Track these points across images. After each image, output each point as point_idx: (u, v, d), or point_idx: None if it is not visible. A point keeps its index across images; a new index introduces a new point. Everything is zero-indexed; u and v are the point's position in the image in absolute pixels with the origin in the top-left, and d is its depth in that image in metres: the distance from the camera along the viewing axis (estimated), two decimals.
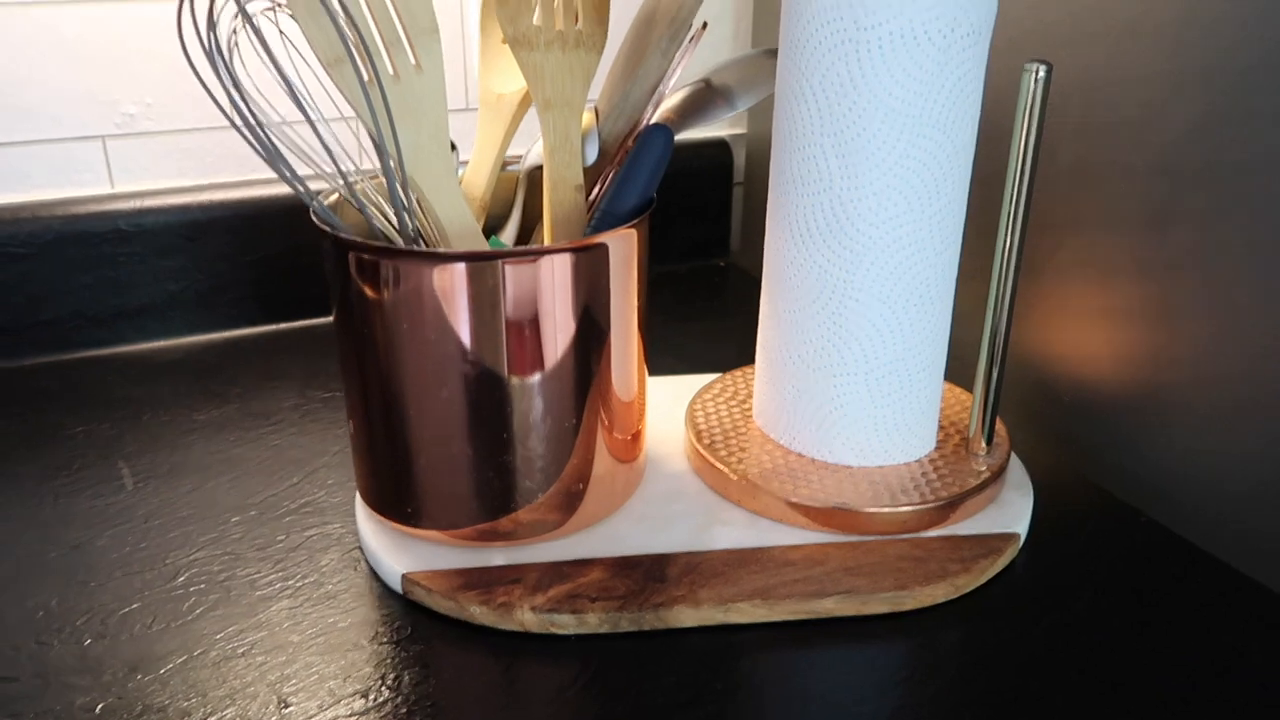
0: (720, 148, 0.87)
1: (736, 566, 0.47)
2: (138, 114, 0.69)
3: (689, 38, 0.48)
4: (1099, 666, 0.43)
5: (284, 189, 0.71)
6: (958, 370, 0.56)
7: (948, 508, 0.49)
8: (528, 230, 0.54)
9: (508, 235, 0.53)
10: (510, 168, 0.55)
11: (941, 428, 0.55)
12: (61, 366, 0.69)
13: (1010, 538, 0.49)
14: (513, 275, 0.43)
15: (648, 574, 0.46)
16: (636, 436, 0.52)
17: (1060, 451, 0.58)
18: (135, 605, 0.46)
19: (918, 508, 0.49)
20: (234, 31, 0.43)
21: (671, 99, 0.52)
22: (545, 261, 0.43)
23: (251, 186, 0.73)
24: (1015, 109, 0.45)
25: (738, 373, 0.62)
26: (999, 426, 0.55)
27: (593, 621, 0.44)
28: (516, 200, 0.53)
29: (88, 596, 0.46)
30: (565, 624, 0.44)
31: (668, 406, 0.60)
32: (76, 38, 0.66)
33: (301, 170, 0.46)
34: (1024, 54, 0.55)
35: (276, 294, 0.75)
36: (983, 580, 0.47)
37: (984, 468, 0.52)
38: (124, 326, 0.71)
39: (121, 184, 0.71)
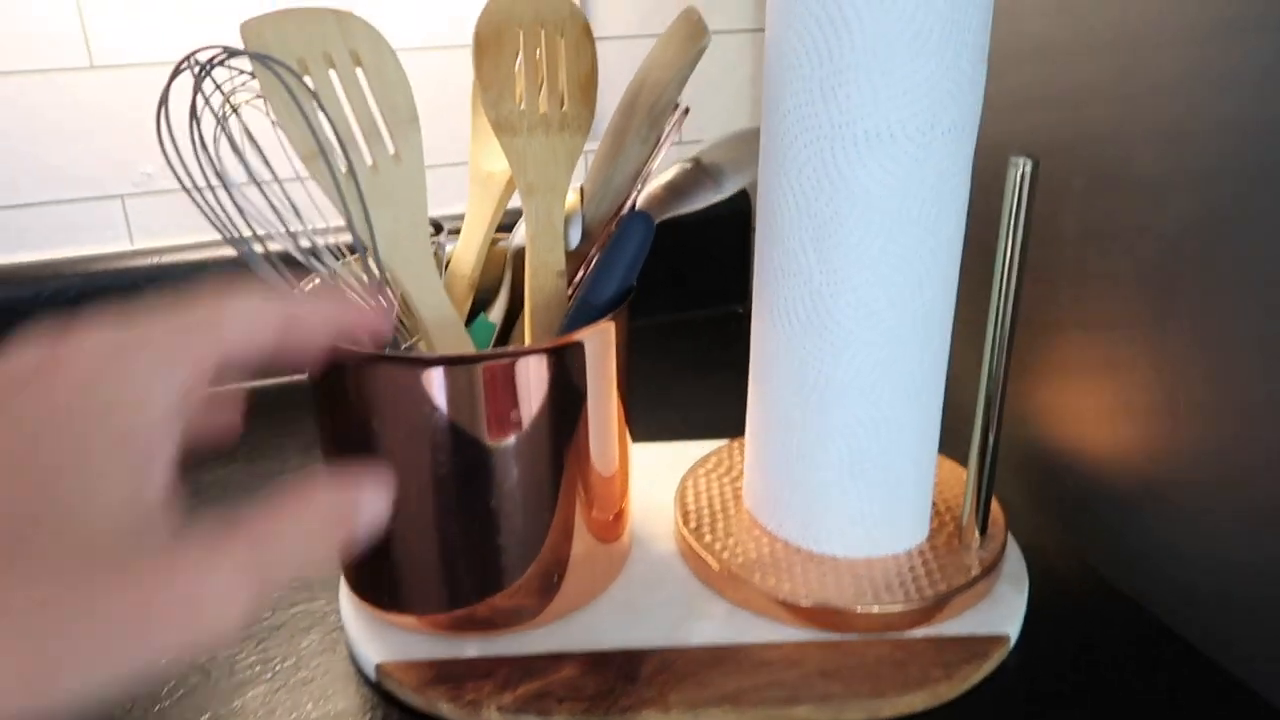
0: (739, 194, 0.86)
1: (711, 666, 0.46)
2: (155, 173, 0.71)
3: (670, 124, 0.47)
4: None
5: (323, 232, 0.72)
6: (958, 443, 0.54)
7: (934, 606, 0.48)
8: (516, 308, 0.54)
9: (495, 314, 0.53)
10: (501, 243, 0.55)
11: (936, 511, 0.54)
12: None
13: (999, 641, 0.47)
14: (488, 375, 0.43)
15: (620, 672, 0.46)
16: (619, 516, 0.51)
17: (1061, 535, 0.56)
18: None
19: (902, 607, 0.47)
20: (217, 124, 0.44)
21: (660, 179, 0.51)
22: (521, 362, 0.43)
23: (272, 243, 0.74)
24: (1002, 203, 0.43)
25: (736, 444, 0.61)
26: (996, 511, 0.53)
27: None
28: (504, 279, 0.53)
29: None
30: None
31: (664, 476, 0.59)
32: (95, 102, 0.68)
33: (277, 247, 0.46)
34: (1026, 141, 0.53)
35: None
36: (965, 688, 0.46)
37: (976, 562, 0.50)
38: None
39: (141, 241, 0.72)
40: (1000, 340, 0.46)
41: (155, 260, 0.72)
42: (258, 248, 0.44)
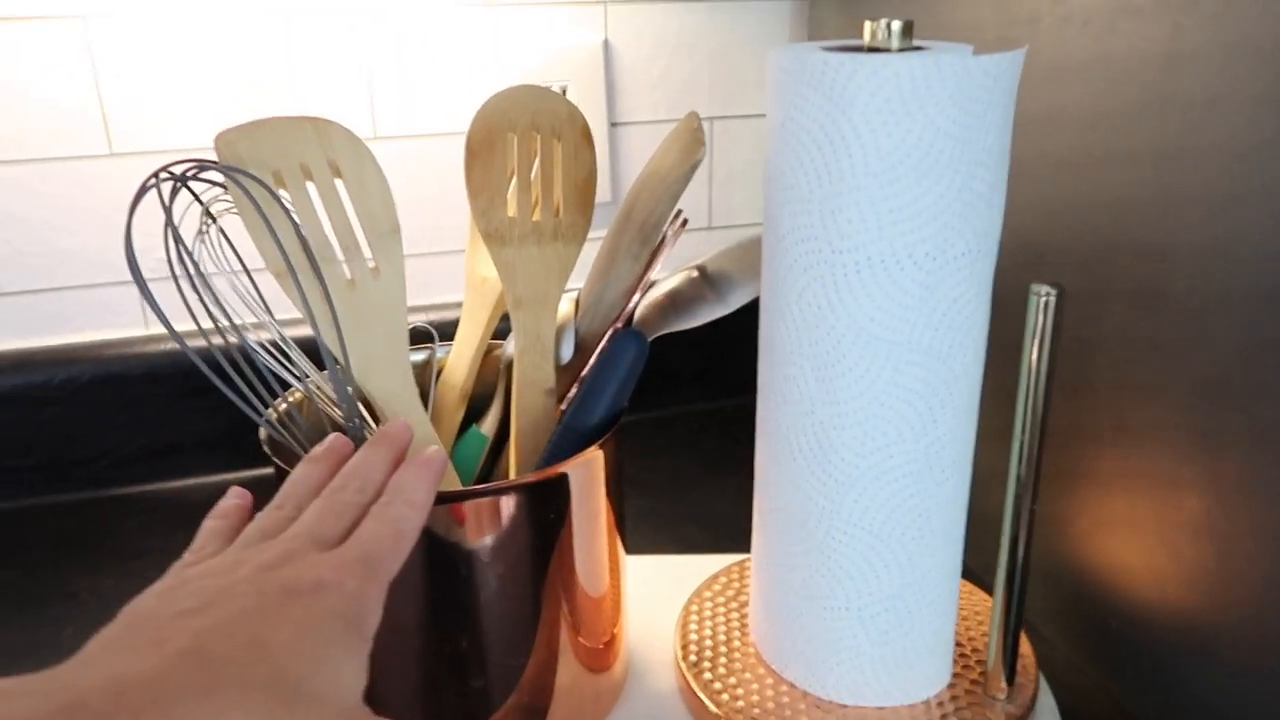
0: None
1: None
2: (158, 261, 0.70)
3: (667, 236, 0.44)
4: None
5: (307, 331, 0.71)
6: (985, 563, 0.49)
7: None
8: (509, 419, 0.51)
9: (487, 426, 0.50)
10: (497, 351, 0.52)
11: (959, 647, 0.49)
12: (87, 506, 0.70)
13: None
14: (464, 512, 0.40)
15: None
16: (610, 644, 0.48)
17: (1097, 677, 0.51)
18: None
19: None
20: (185, 253, 0.42)
21: (661, 287, 0.48)
22: (501, 500, 0.40)
23: (265, 330, 0.73)
24: (1024, 334, 0.39)
25: (747, 563, 0.57)
26: (1026, 654, 0.49)
27: None
28: (498, 390, 0.50)
29: None
30: None
31: (669, 593, 0.55)
32: (114, 188, 0.68)
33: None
34: (1058, 250, 0.49)
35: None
36: None
37: (1002, 717, 0.45)
38: (154, 465, 0.72)
39: (156, 326, 0.72)
40: (1025, 476, 0.42)
41: (170, 345, 0.71)
42: (223, 351, 0.42)
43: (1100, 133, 0.46)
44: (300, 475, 0.37)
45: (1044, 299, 0.38)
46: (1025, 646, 0.49)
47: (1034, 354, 0.39)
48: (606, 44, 0.73)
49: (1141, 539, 0.47)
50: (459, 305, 0.51)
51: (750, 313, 0.67)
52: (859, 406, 0.40)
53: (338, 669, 0.28)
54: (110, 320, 0.71)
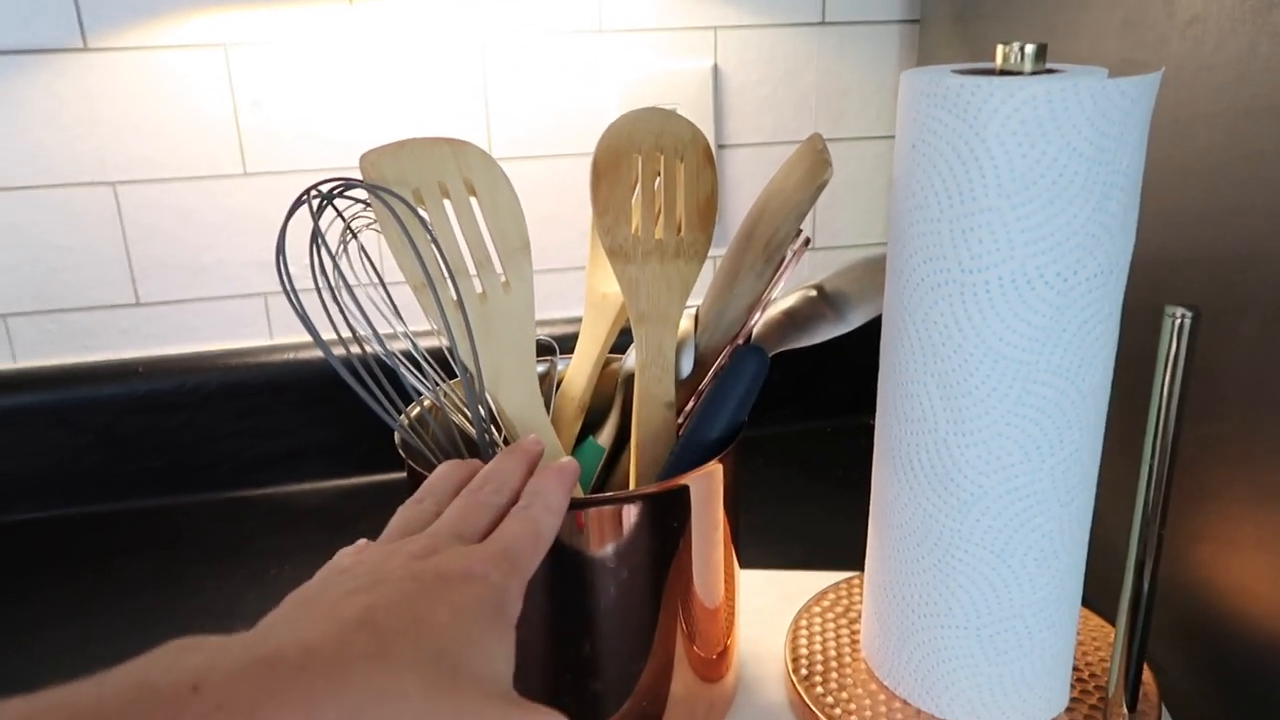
0: None
1: None
2: (296, 274, 0.74)
3: (790, 255, 0.45)
4: None
5: (435, 343, 0.74)
6: (1106, 594, 0.49)
7: None
8: (625, 431, 0.53)
9: (604, 438, 0.52)
10: (614, 364, 0.54)
11: (1077, 674, 0.48)
12: (210, 508, 0.73)
13: None
14: (589, 518, 0.41)
15: None
16: (723, 655, 0.49)
17: (1220, 708, 0.49)
18: None
19: None
20: (333, 259, 0.44)
21: (779, 305, 0.49)
22: (624, 508, 0.42)
23: (398, 340, 0.76)
24: (1155, 355, 0.39)
25: (855, 580, 0.57)
26: (1148, 681, 0.48)
27: None
28: (615, 403, 0.52)
29: None
30: None
31: (777, 608, 0.56)
32: (246, 206, 0.72)
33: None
34: (1188, 269, 0.48)
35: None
36: None
37: None
38: (272, 471, 0.75)
39: (280, 337, 0.75)
40: (1154, 501, 0.42)
41: (292, 355, 0.74)
42: (361, 360, 0.44)
43: (1232, 140, 0.45)
44: (440, 474, 0.39)
45: (1179, 320, 0.38)
46: (1146, 674, 0.48)
47: (1166, 377, 0.39)
48: (715, 69, 0.75)
49: (1271, 565, 0.46)
50: (569, 321, 0.53)
51: (851, 334, 0.67)
52: (984, 425, 0.40)
53: (491, 652, 0.29)
54: (236, 331, 0.75)
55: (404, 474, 0.77)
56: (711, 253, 0.47)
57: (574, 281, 0.79)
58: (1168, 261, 0.49)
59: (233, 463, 0.74)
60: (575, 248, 0.76)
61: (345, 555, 0.36)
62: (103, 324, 0.72)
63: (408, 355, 0.49)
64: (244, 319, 0.75)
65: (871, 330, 0.47)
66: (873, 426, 0.47)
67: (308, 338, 0.75)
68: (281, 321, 0.75)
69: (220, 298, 0.74)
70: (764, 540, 0.66)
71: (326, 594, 0.29)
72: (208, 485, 0.74)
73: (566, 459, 0.38)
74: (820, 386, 0.84)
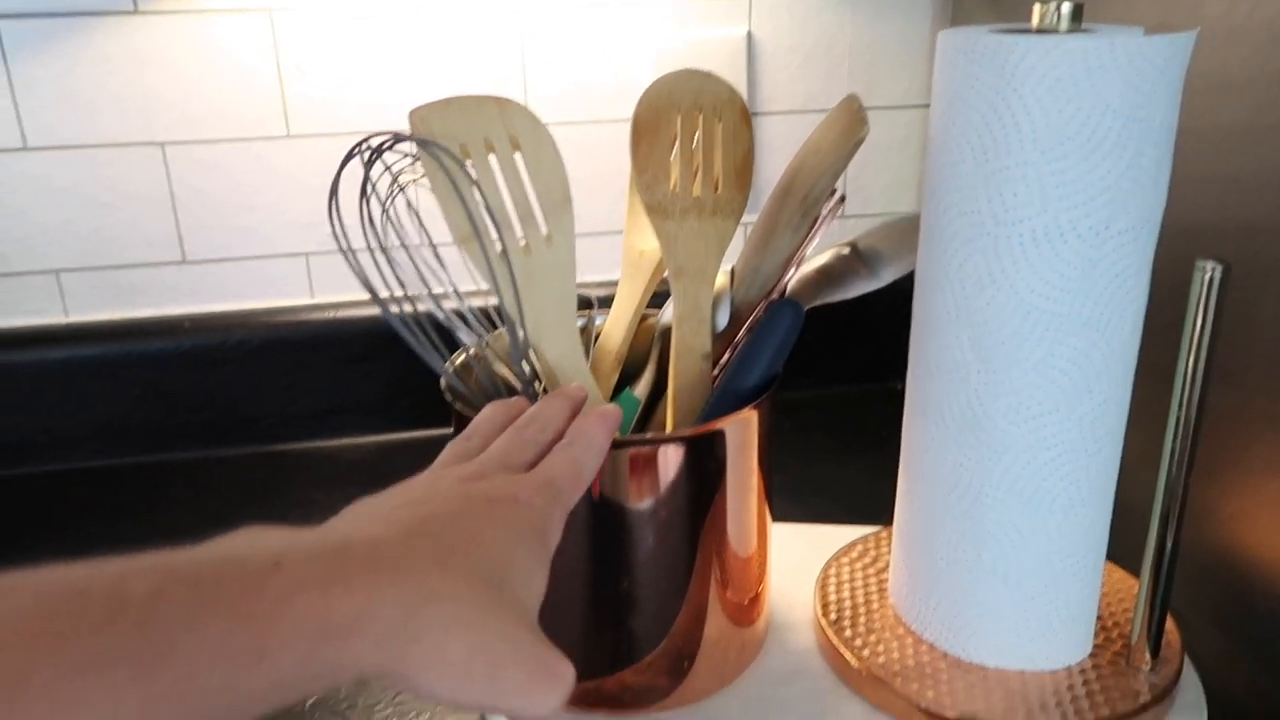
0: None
1: None
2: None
3: (825, 212, 0.46)
4: None
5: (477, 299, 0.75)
6: (1130, 548, 0.50)
7: None
8: (661, 384, 0.54)
9: (641, 389, 0.53)
10: (650, 319, 0.55)
11: (1101, 625, 0.50)
12: (253, 460, 0.75)
13: None
14: (628, 459, 0.43)
15: None
16: (755, 600, 0.50)
17: (1249, 664, 0.51)
18: None
19: None
20: (385, 207, 0.46)
21: (813, 262, 0.50)
22: (661, 449, 0.43)
23: (443, 296, 0.77)
24: (1186, 308, 0.40)
25: (884, 533, 0.59)
26: (1171, 632, 0.49)
27: None
28: (651, 356, 0.53)
29: None
30: None
31: (807, 561, 0.57)
32: (289, 168, 0.73)
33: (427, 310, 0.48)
34: (1219, 227, 0.49)
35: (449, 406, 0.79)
36: None
37: (1145, 687, 0.46)
38: (313, 425, 0.77)
39: (321, 296, 0.77)
40: (1180, 451, 0.43)
41: (332, 314, 0.76)
42: (412, 319, 0.46)
43: (1265, 105, 0.46)
44: (486, 414, 0.40)
45: (1209, 274, 0.39)
46: (1169, 624, 0.49)
47: (1195, 330, 0.40)
48: (749, 36, 0.76)
49: None
50: (603, 285, 0.55)
51: (881, 300, 0.68)
52: (1015, 375, 0.41)
53: (531, 575, 0.31)
54: (278, 290, 0.77)
55: (443, 430, 0.79)
56: (744, 220, 0.49)
57: (607, 246, 0.80)
58: (1197, 225, 0.50)
59: (276, 417, 0.77)
60: (608, 213, 0.78)
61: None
62: (150, 281, 0.75)
63: (452, 308, 0.50)
64: (286, 278, 0.77)
65: (901, 297, 0.49)
66: (901, 391, 0.48)
67: (348, 297, 0.78)
68: (322, 281, 0.77)
69: (263, 257, 0.76)
70: (794, 498, 0.67)
71: (382, 506, 0.31)
72: (251, 438, 0.77)
73: (610, 405, 0.40)
74: (849, 352, 0.85)
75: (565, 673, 0.28)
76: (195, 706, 0.20)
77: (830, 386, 0.85)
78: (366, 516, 0.30)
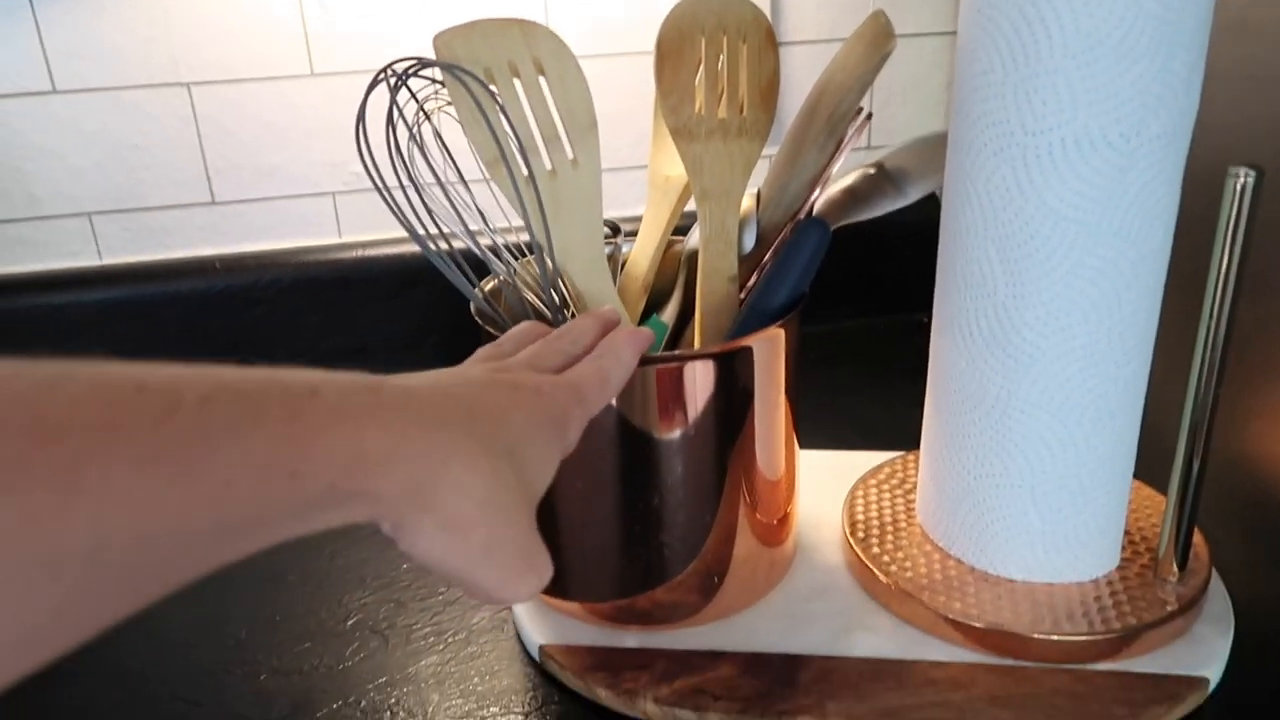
0: (928, 198, 0.83)
1: (873, 679, 0.45)
2: (363, 174, 0.76)
3: (851, 129, 0.46)
4: None
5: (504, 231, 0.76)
6: (1159, 468, 0.50)
7: (1122, 640, 0.45)
8: (688, 310, 0.54)
9: (668, 315, 0.54)
10: (677, 246, 0.55)
11: (1130, 539, 0.50)
12: None
13: (1196, 683, 0.44)
14: (658, 376, 0.44)
15: (778, 676, 0.45)
16: (783, 521, 0.51)
17: (1277, 578, 0.51)
18: (307, 644, 0.50)
19: (1085, 637, 0.45)
20: (412, 131, 0.46)
21: (839, 183, 0.50)
22: (689, 366, 0.44)
23: (456, 242, 0.78)
24: (1217, 217, 0.40)
25: (910, 456, 0.59)
26: (1199, 544, 0.49)
27: None
28: (678, 281, 0.54)
29: (271, 631, 0.52)
30: (686, 719, 0.44)
31: (833, 485, 0.58)
32: (313, 106, 0.74)
33: (461, 246, 0.48)
34: (1251, 137, 0.49)
35: (477, 341, 0.79)
36: None
37: (1172, 597, 0.46)
38: (343, 364, 0.78)
39: (348, 235, 0.78)
40: (1210, 362, 0.43)
41: (360, 253, 0.77)
42: (441, 245, 0.46)
43: None
44: (519, 328, 0.41)
45: (1241, 181, 0.39)
46: (1197, 537, 0.49)
47: (1226, 238, 0.40)
48: None
49: None
50: (626, 219, 0.55)
51: (907, 231, 0.67)
52: (1044, 287, 0.41)
53: (544, 463, 0.31)
54: (306, 229, 0.78)
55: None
56: (766, 151, 0.48)
57: (629, 181, 0.80)
58: (1231, 127, 0.49)
59: (308, 355, 0.78)
60: (630, 148, 0.77)
61: None
62: (180, 222, 0.76)
63: (477, 231, 0.51)
64: (313, 217, 0.77)
65: (926, 228, 0.48)
66: (927, 323, 0.49)
67: (375, 235, 0.78)
68: (349, 220, 0.78)
69: (291, 197, 0.76)
70: (820, 427, 0.68)
71: (414, 378, 0.31)
72: None
73: (641, 327, 0.40)
74: (874, 285, 0.85)
75: (545, 571, 0.29)
76: (225, 516, 0.21)
77: (856, 319, 0.85)
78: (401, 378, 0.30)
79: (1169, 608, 0.46)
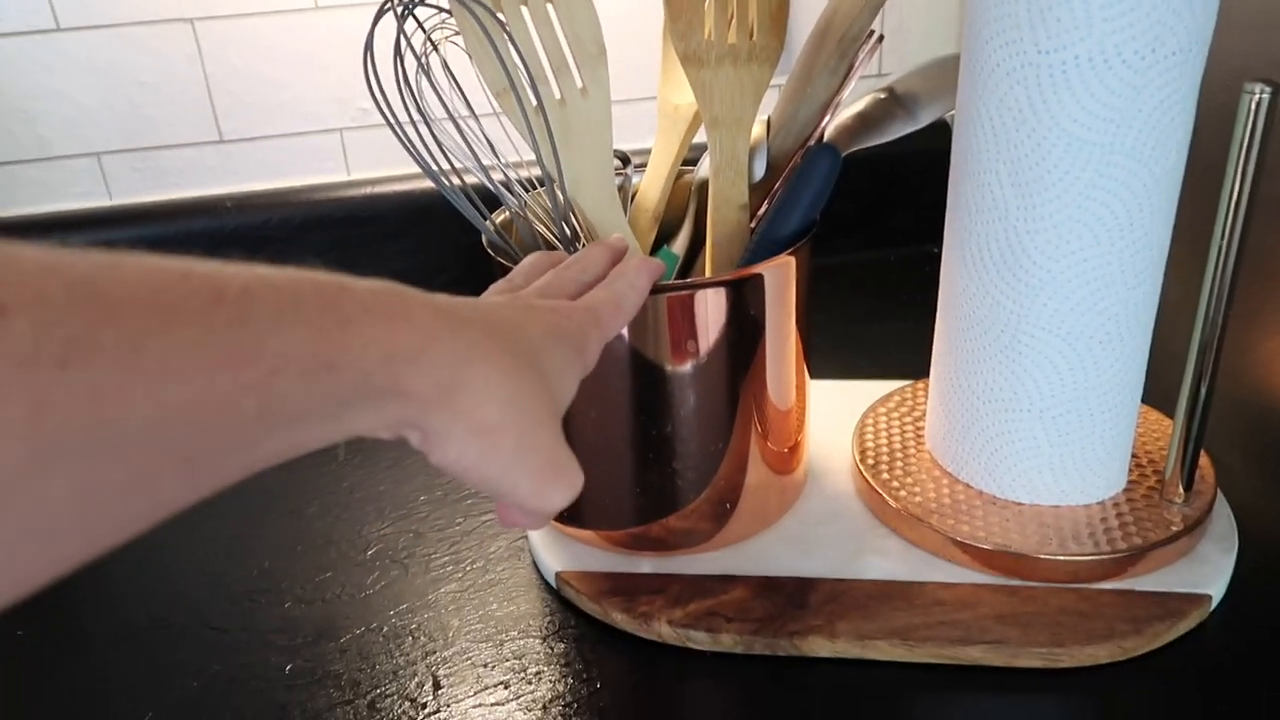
0: (939, 128, 0.82)
1: (882, 600, 0.46)
2: (370, 109, 0.75)
3: (862, 53, 0.46)
4: None
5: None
6: (1167, 393, 0.51)
7: (1127, 560, 0.46)
8: (699, 240, 0.54)
9: (679, 245, 0.54)
10: (687, 176, 0.55)
11: (1137, 463, 0.51)
12: None
13: (1198, 600, 0.45)
14: (669, 305, 0.44)
15: (789, 599, 0.46)
16: (794, 449, 0.52)
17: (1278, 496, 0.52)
18: (329, 574, 0.52)
19: (1091, 557, 0.45)
20: (420, 61, 0.46)
21: (851, 109, 0.50)
22: (700, 294, 0.44)
23: (470, 174, 0.78)
24: (1232, 135, 0.39)
25: (920, 385, 0.59)
26: (1205, 468, 0.50)
27: (727, 641, 0.45)
28: (689, 211, 0.54)
29: (294, 561, 0.53)
30: (700, 640, 0.45)
31: (843, 414, 0.59)
32: (319, 42, 0.73)
33: (472, 180, 0.48)
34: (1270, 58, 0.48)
35: (488, 273, 0.80)
36: (1155, 645, 0.44)
37: (1178, 518, 0.47)
38: None
39: (357, 172, 0.78)
40: (1220, 284, 0.43)
41: (370, 190, 0.77)
42: (454, 180, 0.47)
43: None
44: (529, 260, 0.41)
45: (1257, 97, 0.38)
46: (1203, 459, 0.50)
47: (1240, 158, 0.40)
48: None
49: None
50: (635, 152, 0.54)
51: (918, 163, 0.67)
52: (1055, 210, 0.41)
53: (564, 374, 0.32)
54: (315, 166, 0.77)
55: None
56: (776, 80, 0.48)
57: (637, 112, 0.79)
58: (1249, 46, 0.48)
59: None
60: (636, 80, 0.77)
61: None
62: (190, 161, 0.75)
63: (490, 165, 0.51)
64: (322, 154, 0.77)
65: (937, 159, 0.48)
66: (938, 255, 0.48)
67: (384, 173, 0.78)
68: (357, 157, 0.78)
69: (298, 134, 0.76)
70: (832, 359, 0.68)
71: (433, 296, 0.32)
72: None
73: (652, 258, 0.40)
74: (886, 217, 0.85)
75: (576, 479, 0.29)
76: (270, 405, 0.21)
77: (868, 251, 0.85)
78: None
79: (1174, 528, 0.47)
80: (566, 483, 0.29)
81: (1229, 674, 0.42)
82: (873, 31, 0.47)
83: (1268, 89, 0.38)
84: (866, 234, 0.85)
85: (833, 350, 0.69)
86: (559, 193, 0.45)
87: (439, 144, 0.47)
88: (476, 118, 0.50)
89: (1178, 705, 0.41)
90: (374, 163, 0.78)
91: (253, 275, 0.22)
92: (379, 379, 0.24)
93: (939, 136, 0.85)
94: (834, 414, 0.58)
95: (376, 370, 0.24)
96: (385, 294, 0.25)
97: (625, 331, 0.44)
